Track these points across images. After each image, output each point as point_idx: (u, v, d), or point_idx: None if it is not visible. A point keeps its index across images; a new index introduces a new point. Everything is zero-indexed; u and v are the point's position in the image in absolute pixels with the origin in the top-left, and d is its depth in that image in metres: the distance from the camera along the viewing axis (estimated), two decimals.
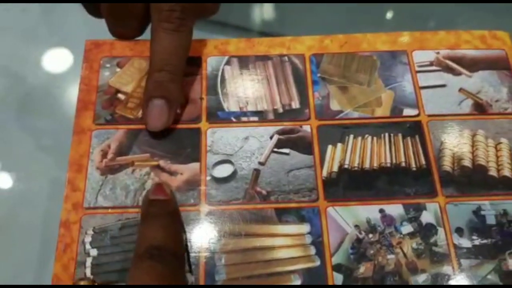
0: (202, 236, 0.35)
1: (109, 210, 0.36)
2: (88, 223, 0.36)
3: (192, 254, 0.35)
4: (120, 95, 0.41)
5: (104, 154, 0.38)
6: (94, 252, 0.35)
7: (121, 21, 0.42)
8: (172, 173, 0.38)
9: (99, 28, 0.41)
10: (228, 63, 0.43)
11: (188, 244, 0.35)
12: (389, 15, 0.60)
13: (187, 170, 0.38)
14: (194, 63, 0.42)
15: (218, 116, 0.40)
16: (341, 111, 0.41)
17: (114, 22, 0.41)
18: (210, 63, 0.42)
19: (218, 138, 0.39)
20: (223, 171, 0.38)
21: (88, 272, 0.34)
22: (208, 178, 0.38)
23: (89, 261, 0.34)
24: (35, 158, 0.52)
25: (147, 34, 0.41)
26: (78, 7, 0.43)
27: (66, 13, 0.57)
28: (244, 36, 0.44)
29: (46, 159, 0.51)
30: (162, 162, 0.38)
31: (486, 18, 0.55)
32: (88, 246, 0.35)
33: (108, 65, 0.42)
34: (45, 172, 0.51)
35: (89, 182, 0.37)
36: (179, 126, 0.40)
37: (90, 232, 0.35)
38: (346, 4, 0.58)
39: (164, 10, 0.38)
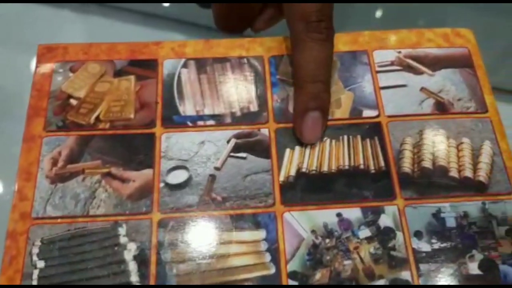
0: (153, 245, 0.34)
1: (58, 220, 0.35)
2: (36, 234, 0.34)
3: (141, 265, 0.33)
4: (72, 101, 0.40)
5: (55, 162, 0.37)
6: (41, 264, 0.34)
7: (233, 18, 0.43)
8: (124, 180, 0.37)
9: (52, 32, 0.40)
10: (185, 65, 0.41)
11: (138, 253, 0.34)
12: (351, 15, 0.59)
13: (140, 177, 0.37)
14: (149, 66, 0.41)
15: (173, 120, 0.39)
16: None
17: (225, 18, 0.43)
18: (167, 66, 0.41)
19: (173, 143, 0.38)
20: (178, 177, 0.37)
21: (34, 284, 0.33)
22: (162, 185, 0.36)
23: (36, 273, 0.33)
24: None
25: (102, 37, 0.39)
26: (31, 10, 0.42)
27: (19, 17, 0.56)
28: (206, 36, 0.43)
29: None
30: (113, 169, 0.37)
31: (451, 15, 0.54)
32: (35, 258, 0.34)
33: (61, 70, 0.41)
34: None
35: (38, 191, 0.36)
36: (133, 131, 0.38)
37: (38, 243, 0.34)
38: None
39: (313, 20, 0.38)
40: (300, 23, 0.38)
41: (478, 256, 0.34)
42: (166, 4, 0.53)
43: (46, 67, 0.41)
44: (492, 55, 0.67)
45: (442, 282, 0.33)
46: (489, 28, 0.61)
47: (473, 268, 0.34)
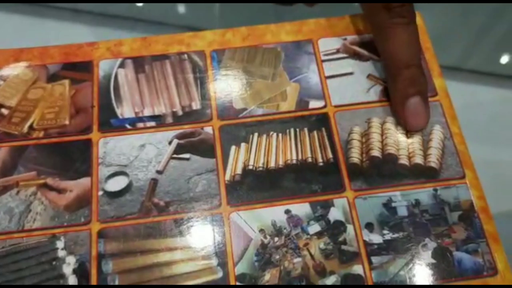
0: (93, 257, 0.32)
1: None
2: None
3: (82, 278, 0.32)
4: (3, 110, 0.37)
5: None
6: None
7: None
8: (60, 191, 0.35)
9: None
10: (122, 65, 0.39)
11: (78, 266, 0.32)
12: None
13: (77, 186, 0.35)
14: (84, 69, 0.39)
15: (111, 124, 0.37)
16: (244, 109, 0.38)
17: None
18: (103, 67, 0.39)
19: (111, 149, 0.36)
20: (117, 184, 0.35)
21: None
22: (101, 193, 0.35)
23: None
24: None
25: (33, 38, 0.37)
26: None
27: None
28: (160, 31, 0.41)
29: None
30: (49, 180, 0.35)
31: None
32: None
33: None
34: None
35: None
36: (68, 138, 0.36)
37: None
38: None
39: (395, 7, 0.37)
40: (383, 11, 0.37)
41: (431, 244, 0.33)
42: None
43: None
44: (447, 35, 0.66)
45: (395, 273, 0.32)
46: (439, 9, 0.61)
47: (427, 257, 0.33)
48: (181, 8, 0.55)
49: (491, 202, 0.35)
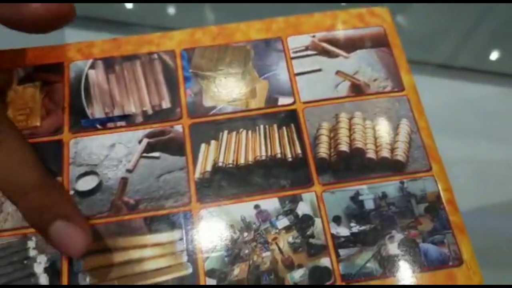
0: (64, 256, 0.32)
1: None
2: None
3: (53, 277, 0.32)
4: None
5: None
6: None
7: None
8: None
9: None
10: (92, 66, 0.40)
11: (49, 265, 0.32)
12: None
13: None
14: (55, 70, 0.40)
15: (81, 124, 0.37)
16: (214, 107, 0.39)
17: None
18: (73, 68, 0.40)
19: (81, 148, 0.37)
20: (87, 183, 0.35)
21: None
22: (72, 192, 0.35)
23: None
24: None
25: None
26: None
27: None
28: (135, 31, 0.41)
29: None
30: None
31: None
32: None
33: None
34: None
35: None
36: (39, 139, 0.37)
37: None
38: None
39: None
40: None
41: (398, 236, 0.34)
42: None
43: None
44: (437, 33, 0.67)
45: (362, 265, 0.33)
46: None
47: (393, 248, 0.33)
48: (151, 7, 0.55)
49: (460, 196, 0.36)
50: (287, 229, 0.34)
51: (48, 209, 0.31)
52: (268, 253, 0.34)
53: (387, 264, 0.33)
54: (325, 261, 0.33)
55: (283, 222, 0.34)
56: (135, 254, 0.33)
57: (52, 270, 0.33)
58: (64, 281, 0.32)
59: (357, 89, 0.40)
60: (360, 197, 0.35)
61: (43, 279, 0.33)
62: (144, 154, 0.37)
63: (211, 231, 0.34)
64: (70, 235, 0.31)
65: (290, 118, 0.38)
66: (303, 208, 0.35)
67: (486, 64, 0.72)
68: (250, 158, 0.37)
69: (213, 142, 0.37)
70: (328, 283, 0.32)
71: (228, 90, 0.39)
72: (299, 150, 0.37)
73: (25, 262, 0.33)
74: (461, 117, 0.64)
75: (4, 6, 0.33)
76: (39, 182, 0.32)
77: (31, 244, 0.34)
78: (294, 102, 0.39)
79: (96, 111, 0.38)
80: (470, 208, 0.39)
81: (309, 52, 0.41)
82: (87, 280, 0.32)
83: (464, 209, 0.36)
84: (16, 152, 0.32)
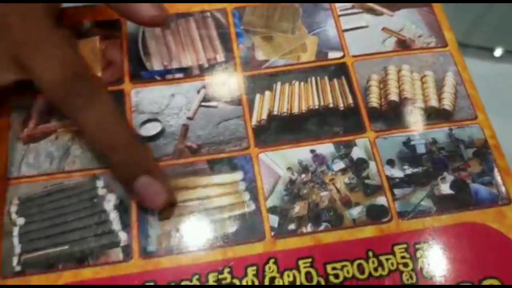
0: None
1: (34, 178, 0.35)
2: (12, 193, 0.34)
3: (123, 214, 0.34)
4: None
5: (25, 124, 0.37)
6: (21, 221, 0.34)
7: None
8: None
9: None
10: None
11: (118, 203, 0.34)
12: None
13: None
14: (114, 26, 0.41)
15: (141, 76, 0.39)
16: (267, 60, 0.40)
17: None
18: (131, 24, 0.41)
19: (142, 98, 0.38)
20: (151, 129, 0.37)
21: (15, 241, 0.33)
22: None
23: (16, 230, 0.33)
24: None
25: None
26: None
27: None
28: None
29: None
30: None
31: None
32: (14, 216, 0.34)
33: None
34: None
35: (11, 153, 0.36)
36: None
37: (16, 201, 0.34)
38: None
39: (71, 86, 0.33)
40: (62, 95, 0.33)
41: (449, 177, 0.36)
42: None
43: None
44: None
45: (417, 203, 0.34)
46: None
47: (445, 188, 0.35)
48: None
49: (503, 143, 0.38)
50: (343, 171, 0.36)
51: (136, 164, 0.33)
52: (326, 193, 0.35)
53: (441, 202, 0.35)
54: (381, 200, 0.35)
55: (338, 165, 0.36)
56: (199, 193, 0.35)
57: (122, 207, 0.34)
58: (134, 218, 0.34)
59: (403, 45, 0.42)
60: (412, 142, 0.37)
61: (114, 216, 0.34)
62: (203, 103, 0.39)
63: (270, 173, 0.36)
64: (153, 190, 0.33)
65: (340, 71, 0.40)
66: (357, 153, 0.37)
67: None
68: (304, 107, 0.39)
69: (267, 92, 0.39)
70: (384, 220, 0.34)
71: (279, 45, 0.41)
72: (350, 100, 0.39)
73: (95, 200, 0.35)
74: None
75: (119, 6, 0.37)
76: (129, 140, 0.34)
77: (99, 183, 0.35)
78: (343, 56, 0.41)
79: (154, 63, 0.40)
80: None
81: (355, 10, 0.43)
82: (156, 217, 0.34)
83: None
84: (111, 111, 0.34)
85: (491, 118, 0.38)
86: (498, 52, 0.69)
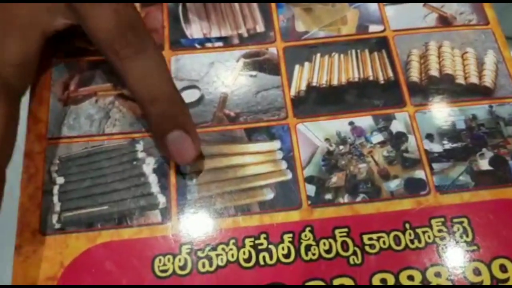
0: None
1: (74, 140, 0.35)
2: (53, 153, 0.35)
3: (161, 177, 0.34)
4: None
5: (66, 86, 0.37)
6: (61, 180, 0.34)
7: None
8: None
9: None
10: None
11: (157, 166, 0.34)
12: None
13: None
14: None
15: (181, 43, 0.39)
16: (306, 32, 0.40)
17: None
18: None
19: (182, 65, 0.38)
20: (190, 96, 0.37)
21: (55, 199, 0.33)
22: None
23: (56, 189, 0.34)
24: None
25: None
26: None
27: None
28: None
29: None
30: (126, 91, 0.37)
31: None
32: (54, 175, 0.34)
33: None
34: None
35: (51, 114, 0.36)
36: None
37: (56, 161, 0.34)
38: None
39: (121, 36, 0.33)
40: (109, 44, 0.33)
41: (488, 153, 0.35)
42: None
43: None
44: None
45: (455, 178, 0.34)
46: None
47: (484, 164, 0.35)
48: None
49: None
50: (382, 144, 0.36)
51: (171, 118, 0.34)
52: (364, 165, 0.35)
53: (479, 177, 0.34)
54: (419, 173, 0.35)
55: (377, 137, 0.36)
56: (237, 160, 0.35)
57: (161, 170, 0.35)
58: (172, 181, 0.34)
59: (444, 21, 0.41)
60: (452, 118, 0.37)
61: (152, 178, 0.35)
62: (242, 72, 0.39)
63: (308, 143, 0.36)
64: (184, 145, 0.34)
65: (380, 44, 0.40)
66: (396, 126, 0.36)
67: None
68: (343, 80, 0.38)
69: (306, 64, 0.39)
70: (422, 193, 0.34)
71: (319, 17, 0.41)
72: (390, 74, 0.38)
73: (134, 163, 0.35)
74: None
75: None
76: (169, 94, 0.34)
77: (139, 147, 0.36)
78: (384, 30, 0.40)
79: (194, 32, 0.40)
80: None
81: None
82: (194, 181, 0.34)
83: None
84: (157, 62, 0.34)
85: None
86: None
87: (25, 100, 0.36)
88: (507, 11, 0.53)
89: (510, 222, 0.33)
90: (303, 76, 0.38)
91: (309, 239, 0.32)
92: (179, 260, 0.32)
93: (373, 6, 0.41)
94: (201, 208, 0.33)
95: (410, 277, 0.31)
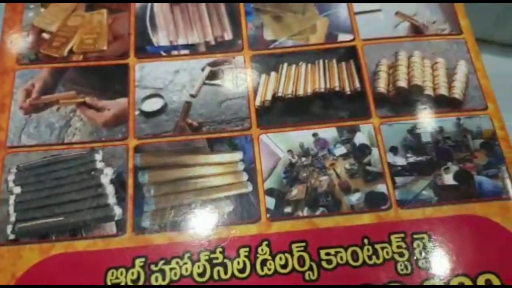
0: (130, 169, 0.34)
1: (34, 148, 0.35)
2: (11, 162, 0.34)
3: (119, 188, 0.33)
4: (44, 35, 0.39)
5: (28, 94, 0.37)
6: (17, 189, 0.34)
7: None
8: (99, 109, 0.36)
9: None
10: None
11: (115, 177, 0.34)
12: None
13: (115, 105, 0.37)
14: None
15: (147, 51, 0.39)
16: (275, 40, 0.40)
17: None
18: None
19: (146, 73, 0.38)
20: (153, 105, 0.37)
21: (11, 209, 0.33)
22: (137, 112, 0.36)
23: (12, 198, 0.33)
24: None
25: None
26: None
27: None
28: None
29: None
30: (88, 99, 0.37)
31: None
32: (11, 184, 0.34)
33: (32, 6, 0.40)
34: None
35: (12, 122, 0.36)
36: (106, 62, 0.38)
37: (14, 170, 0.34)
38: None
39: None
40: None
41: (453, 167, 0.35)
42: None
43: (17, 4, 0.40)
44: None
45: (418, 192, 0.33)
46: None
47: (448, 179, 0.34)
48: None
49: None
50: (345, 156, 0.35)
51: None
52: (325, 177, 0.35)
53: (443, 192, 0.34)
54: (381, 187, 0.34)
55: (340, 149, 0.35)
56: (197, 171, 0.35)
57: (118, 181, 0.34)
58: (130, 192, 0.34)
59: (416, 30, 0.40)
60: (417, 130, 0.36)
61: (110, 189, 0.34)
62: (207, 81, 0.38)
63: (270, 155, 0.35)
64: None
65: (349, 54, 0.39)
66: (360, 138, 0.36)
67: None
68: (309, 90, 0.38)
69: (273, 73, 0.38)
70: (383, 207, 0.33)
71: (288, 25, 0.40)
72: (357, 84, 0.38)
73: (92, 173, 0.35)
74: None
75: None
76: None
77: (98, 157, 0.35)
78: (353, 39, 0.40)
79: (161, 39, 0.40)
80: None
81: None
82: (151, 193, 0.34)
83: None
84: None
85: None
86: None
87: None
88: (478, 13, 0.52)
89: (471, 238, 0.32)
90: (269, 86, 0.38)
91: (265, 253, 0.32)
92: (132, 273, 0.31)
93: (344, 15, 0.40)
94: (157, 220, 0.33)
95: None
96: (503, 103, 0.37)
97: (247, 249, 0.32)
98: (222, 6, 0.41)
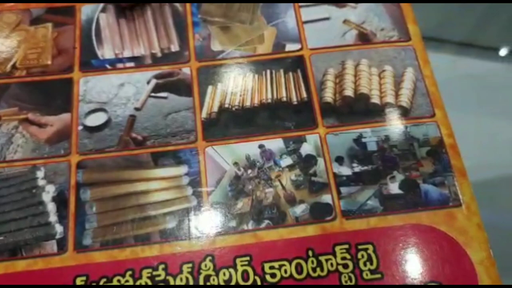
0: (72, 186, 0.33)
1: None
2: None
3: (60, 205, 0.33)
4: None
5: None
6: None
7: None
8: (41, 125, 0.36)
9: None
10: (103, 10, 0.40)
11: (57, 194, 0.33)
12: None
13: (58, 121, 0.36)
14: (67, 13, 0.40)
15: (92, 64, 0.38)
16: (222, 51, 0.39)
17: None
18: (85, 11, 0.40)
19: (91, 87, 0.37)
20: (96, 119, 0.36)
21: None
22: (80, 128, 0.36)
23: None
24: None
25: None
26: None
27: None
28: None
29: None
30: (31, 115, 0.36)
31: None
32: None
33: None
34: None
35: None
36: (50, 77, 0.38)
37: None
38: None
39: None
40: None
41: (399, 176, 0.34)
42: None
43: None
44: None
45: (363, 202, 0.33)
46: None
47: (394, 188, 0.34)
48: None
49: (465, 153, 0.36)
50: (290, 167, 0.35)
51: None
52: (271, 189, 0.34)
53: (388, 202, 0.34)
54: (326, 198, 0.34)
55: (286, 161, 0.35)
56: (140, 186, 0.34)
57: (60, 199, 0.34)
58: (72, 210, 0.33)
59: (364, 38, 0.40)
60: (363, 140, 0.36)
61: (51, 207, 0.33)
62: (153, 94, 0.38)
63: (216, 168, 0.35)
64: None
65: (296, 63, 0.39)
66: (306, 149, 0.35)
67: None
68: (256, 101, 0.38)
69: (219, 84, 0.38)
70: (328, 219, 0.33)
71: (236, 35, 0.40)
72: (304, 94, 0.38)
73: (34, 191, 0.34)
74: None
75: None
76: None
77: (40, 174, 0.34)
78: (301, 49, 0.39)
79: (106, 52, 0.39)
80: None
81: (317, 2, 0.42)
82: (93, 210, 0.33)
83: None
84: None
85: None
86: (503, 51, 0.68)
87: None
88: (425, 11, 0.52)
89: (416, 248, 0.32)
90: (216, 98, 0.37)
91: (209, 269, 0.31)
92: None
93: (292, 24, 0.40)
94: (99, 238, 0.32)
95: None
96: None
97: (190, 265, 0.32)
98: (169, 18, 0.40)
